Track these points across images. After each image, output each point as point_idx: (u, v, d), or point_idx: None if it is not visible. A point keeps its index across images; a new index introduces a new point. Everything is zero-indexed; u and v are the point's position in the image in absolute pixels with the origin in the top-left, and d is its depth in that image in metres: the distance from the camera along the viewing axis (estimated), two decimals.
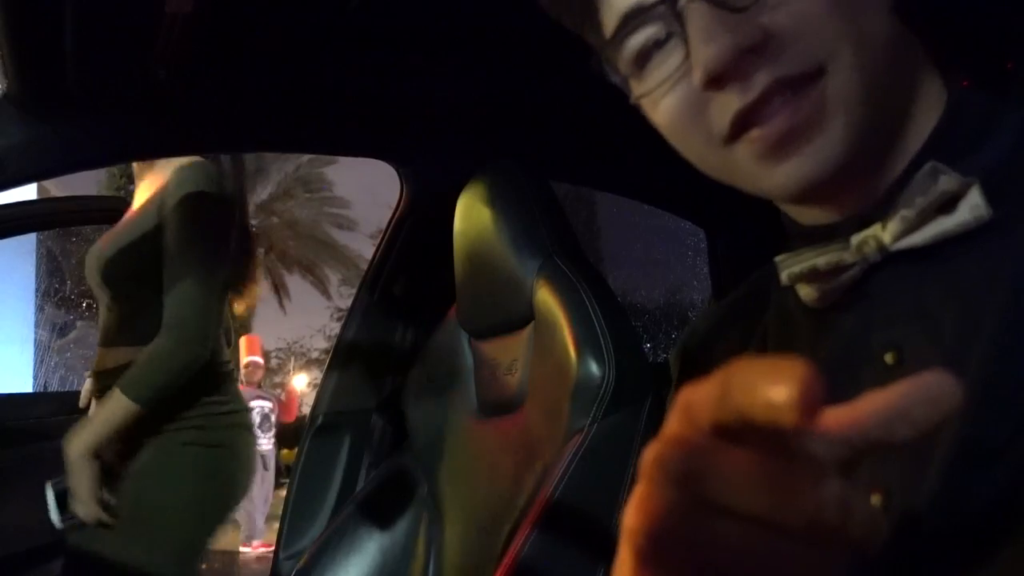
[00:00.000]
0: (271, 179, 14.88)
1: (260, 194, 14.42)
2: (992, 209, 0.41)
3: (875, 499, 0.45)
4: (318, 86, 1.32)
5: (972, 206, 0.42)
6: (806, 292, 0.49)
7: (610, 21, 0.48)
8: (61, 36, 1.03)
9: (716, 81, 0.43)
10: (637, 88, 0.49)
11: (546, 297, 1.05)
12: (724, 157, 0.46)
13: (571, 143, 1.59)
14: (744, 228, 1.74)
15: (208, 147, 1.48)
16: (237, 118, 1.34)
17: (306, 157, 14.22)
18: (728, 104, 0.43)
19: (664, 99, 0.47)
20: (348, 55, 1.23)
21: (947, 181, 0.42)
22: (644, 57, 0.47)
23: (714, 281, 2.04)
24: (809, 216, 0.49)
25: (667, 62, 0.46)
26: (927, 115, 0.46)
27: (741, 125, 0.44)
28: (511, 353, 1.14)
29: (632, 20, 0.46)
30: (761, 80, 0.42)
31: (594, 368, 0.98)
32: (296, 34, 1.15)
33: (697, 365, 0.61)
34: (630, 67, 0.48)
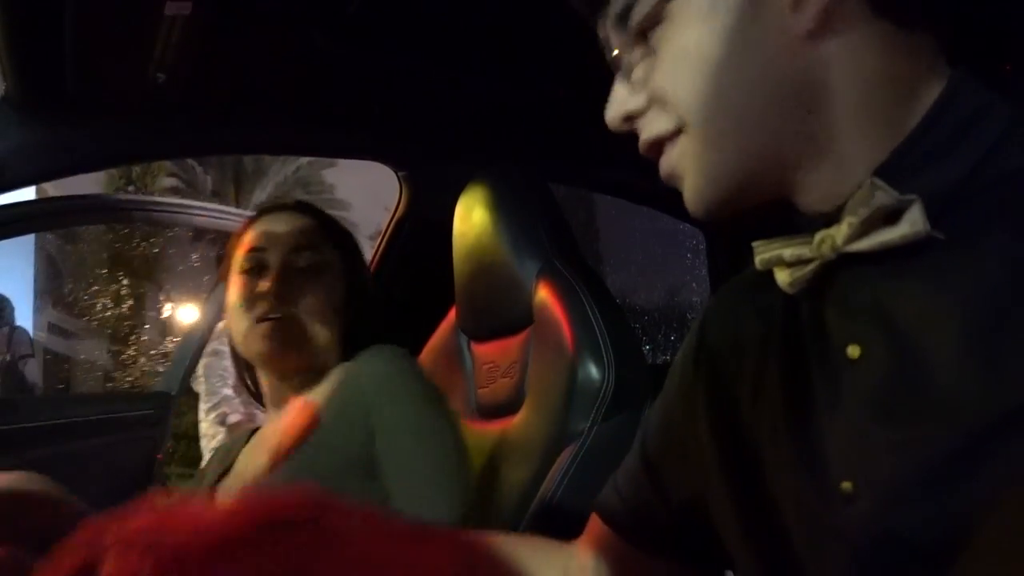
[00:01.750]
0: (270, 181, 14.89)
1: (259, 196, 14.42)
2: (936, 225, 0.45)
3: (846, 486, 0.48)
4: (317, 89, 1.32)
5: (911, 221, 0.45)
6: (781, 277, 0.53)
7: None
8: (61, 39, 1.03)
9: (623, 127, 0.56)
10: None
11: (545, 299, 1.05)
12: None
13: (570, 146, 1.59)
14: (743, 229, 1.74)
15: (207, 150, 1.49)
16: (236, 121, 1.34)
17: (305, 159, 14.22)
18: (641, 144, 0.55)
19: None
20: (347, 58, 1.23)
21: (882, 197, 0.46)
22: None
23: (713, 282, 2.05)
24: (800, 206, 0.54)
25: None
26: (890, 128, 0.49)
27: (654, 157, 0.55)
28: (510, 355, 1.14)
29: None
30: (643, 136, 0.54)
31: (593, 371, 0.98)
32: (295, 37, 1.15)
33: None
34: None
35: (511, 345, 1.14)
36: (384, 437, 0.88)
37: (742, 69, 0.49)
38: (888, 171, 0.47)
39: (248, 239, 1.02)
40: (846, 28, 0.48)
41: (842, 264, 0.49)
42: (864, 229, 0.47)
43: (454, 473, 0.88)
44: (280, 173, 14.90)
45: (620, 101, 0.55)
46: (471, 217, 1.16)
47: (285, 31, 1.13)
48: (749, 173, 0.51)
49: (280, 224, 1.02)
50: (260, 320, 0.95)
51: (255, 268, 0.98)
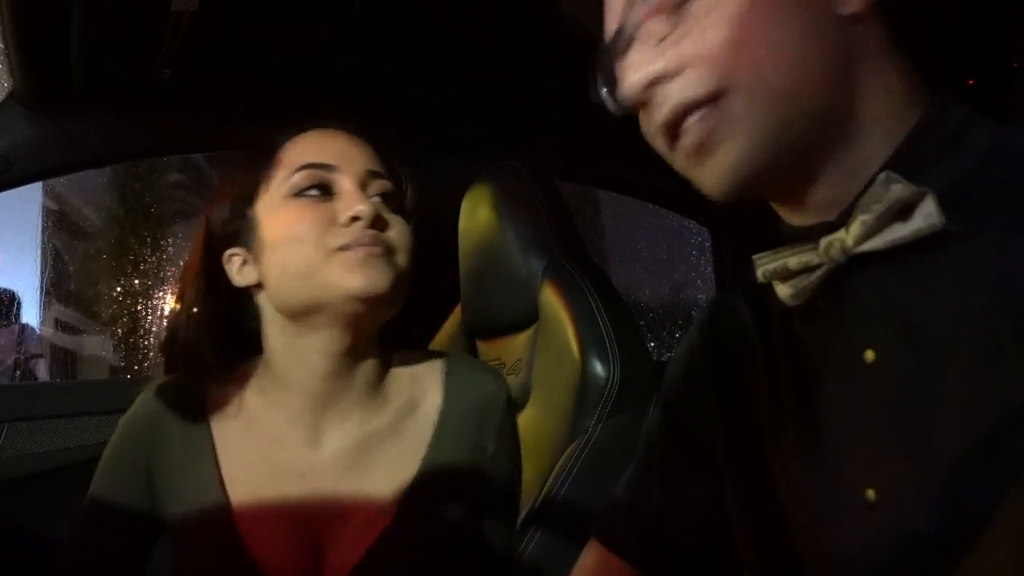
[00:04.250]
0: None
1: None
2: (947, 219, 0.45)
3: (869, 494, 0.47)
4: (323, 85, 1.32)
5: (926, 214, 0.45)
6: (782, 290, 0.53)
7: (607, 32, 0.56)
8: (68, 36, 1.03)
9: (639, 105, 0.52)
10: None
11: (551, 297, 1.05)
12: (673, 160, 0.53)
13: (576, 142, 1.59)
14: (748, 227, 1.74)
15: (213, 146, 1.49)
16: (241, 117, 1.34)
17: None
18: (653, 121, 0.52)
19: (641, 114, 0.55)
20: (353, 54, 1.23)
21: (899, 189, 0.46)
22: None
23: (718, 280, 2.04)
24: (792, 217, 0.54)
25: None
26: (896, 128, 0.50)
27: (671, 136, 0.51)
28: (516, 353, 1.14)
29: (612, 43, 0.54)
30: (670, 103, 0.50)
31: (599, 368, 0.98)
32: (301, 33, 1.15)
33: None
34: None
35: (516, 342, 1.14)
36: (489, 484, 0.81)
37: (791, 36, 0.48)
38: (897, 167, 0.48)
39: (299, 154, 0.80)
40: (879, 27, 0.50)
41: (848, 269, 0.49)
42: (877, 227, 0.47)
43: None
44: None
45: (644, 64, 0.51)
46: (476, 214, 1.16)
47: (291, 28, 1.13)
48: (788, 144, 0.49)
49: (341, 139, 0.82)
50: (345, 249, 0.74)
51: (320, 189, 0.77)
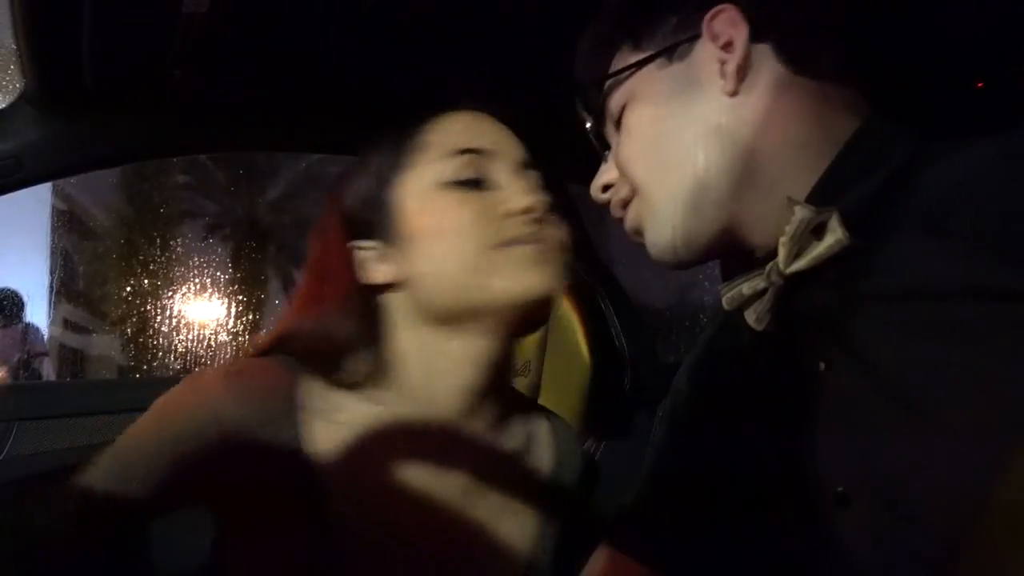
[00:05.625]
0: (282, 178, 14.96)
1: (271, 193, 14.49)
2: (854, 234, 0.50)
3: (840, 492, 0.50)
4: (331, 87, 1.33)
5: (832, 231, 0.51)
6: (748, 316, 0.59)
7: None
8: (78, 36, 1.03)
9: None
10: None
11: (561, 299, 1.05)
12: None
13: (584, 145, 1.59)
14: None
15: (223, 146, 1.49)
16: (251, 118, 1.35)
17: (316, 156, 14.28)
18: (613, 210, 0.70)
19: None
20: (362, 56, 1.23)
21: (801, 211, 0.51)
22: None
23: (725, 282, 2.03)
24: (754, 248, 0.60)
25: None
26: (817, 162, 0.55)
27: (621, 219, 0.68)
28: (524, 354, 1.13)
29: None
30: (615, 199, 0.68)
31: (609, 371, 0.97)
32: (310, 34, 1.15)
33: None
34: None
35: (525, 344, 1.13)
36: None
37: (684, 138, 0.57)
38: (814, 198, 0.53)
39: (451, 137, 0.71)
40: (766, 85, 0.55)
41: (794, 289, 0.55)
42: (798, 248, 0.52)
43: None
44: (291, 170, 14.97)
45: (600, 174, 0.70)
46: None
47: (300, 29, 1.13)
48: (702, 220, 0.59)
49: (496, 125, 0.76)
50: (511, 244, 0.65)
51: (476, 180, 0.69)
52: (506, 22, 1.15)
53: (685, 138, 0.57)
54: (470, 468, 0.67)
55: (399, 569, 0.64)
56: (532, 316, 0.67)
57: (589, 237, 1.15)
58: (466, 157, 0.69)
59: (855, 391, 0.49)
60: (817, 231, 0.51)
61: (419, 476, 0.66)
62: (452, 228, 0.66)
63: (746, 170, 0.55)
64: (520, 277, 0.64)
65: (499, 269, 0.64)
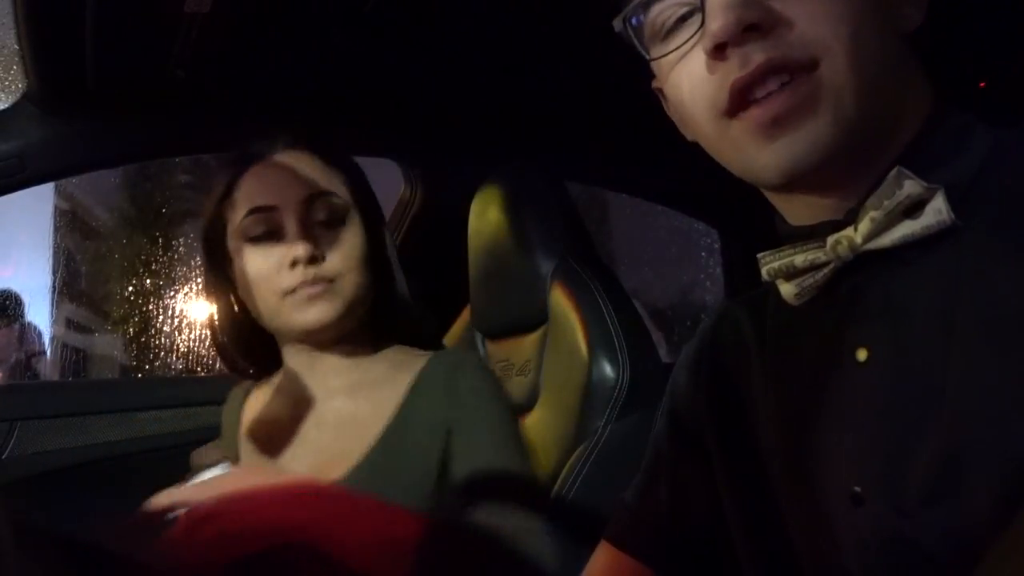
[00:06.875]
0: None
1: None
2: (955, 217, 0.45)
3: (855, 492, 0.48)
4: (333, 86, 1.33)
5: (936, 211, 0.45)
6: (786, 289, 0.53)
7: None
8: (81, 36, 1.04)
9: (719, 49, 0.48)
10: (655, 51, 0.53)
11: (560, 298, 1.05)
12: (722, 131, 0.50)
13: (585, 144, 1.59)
14: (757, 228, 1.73)
15: (225, 146, 1.49)
16: (253, 118, 1.35)
17: None
18: (728, 75, 0.48)
19: (677, 65, 0.52)
20: (363, 56, 1.23)
21: (911, 185, 0.46)
22: (667, 28, 0.52)
23: (727, 281, 2.03)
24: (796, 216, 0.53)
25: (685, 32, 0.51)
26: (911, 126, 0.50)
27: (739, 100, 0.48)
28: (525, 353, 1.14)
29: None
30: (758, 57, 0.47)
31: (608, 370, 0.97)
32: (312, 35, 1.16)
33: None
34: (653, 35, 0.53)
35: (525, 343, 1.14)
36: (462, 464, 0.84)
37: (878, 36, 0.48)
38: (906, 165, 0.48)
39: (247, 196, 0.88)
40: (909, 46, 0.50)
41: (853, 267, 0.50)
42: (886, 224, 0.47)
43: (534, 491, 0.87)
44: None
45: (738, 8, 0.47)
46: (486, 215, 1.16)
47: (302, 29, 1.14)
48: (862, 133, 0.48)
49: (282, 173, 0.88)
50: (292, 292, 0.85)
51: (267, 233, 0.87)
52: (510, 20, 1.15)
53: (877, 35, 0.48)
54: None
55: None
56: (327, 333, 0.88)
57: (589, 237, 1.16)
58: (256, 216, 0.87)
59: (893, 390, 0.46)
60: (909, 208, 0.46)
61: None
62: (254, 280, 0.87)
63: (894, 113, 0.49)
64: (299, 318, 0.85)
65: (286, 312, 0.86)
